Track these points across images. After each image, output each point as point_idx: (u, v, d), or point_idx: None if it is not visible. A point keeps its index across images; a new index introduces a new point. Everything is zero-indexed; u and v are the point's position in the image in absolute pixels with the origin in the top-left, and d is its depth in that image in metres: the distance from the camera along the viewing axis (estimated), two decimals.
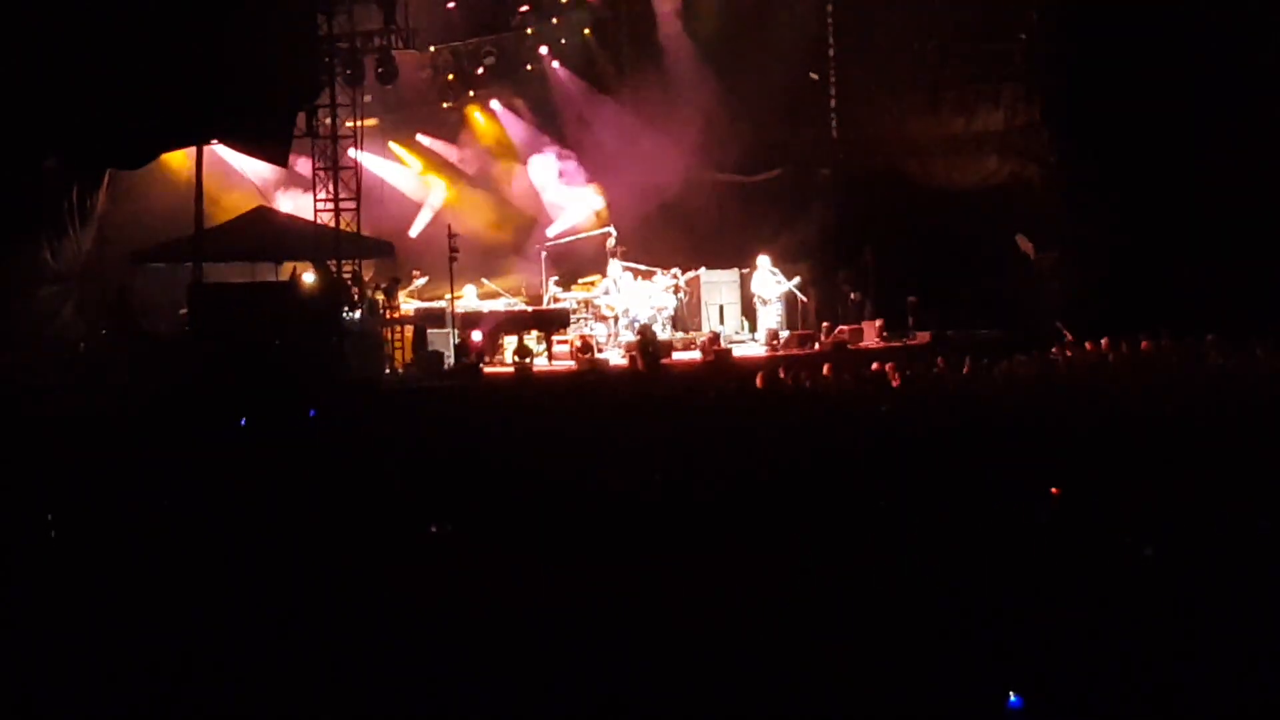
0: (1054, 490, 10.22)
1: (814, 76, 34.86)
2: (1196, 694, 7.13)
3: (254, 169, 33.66)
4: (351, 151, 29.30)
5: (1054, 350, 21.39)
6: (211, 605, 8.64)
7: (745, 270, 32.29)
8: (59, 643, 8.18)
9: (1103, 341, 20.93)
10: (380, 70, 32.39)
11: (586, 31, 36.55)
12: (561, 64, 36.53)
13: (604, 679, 7.57)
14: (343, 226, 28.57)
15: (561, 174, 35.84)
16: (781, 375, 20.09)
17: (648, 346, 27.96)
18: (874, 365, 20.25)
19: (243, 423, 18.31)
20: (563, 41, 36.47)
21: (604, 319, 31.52)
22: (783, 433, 14.35)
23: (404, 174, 36.59)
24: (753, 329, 32.32)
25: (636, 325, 30.39)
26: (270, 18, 26.71)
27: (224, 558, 9.65)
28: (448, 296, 30.50)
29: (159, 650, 8.05)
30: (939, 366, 20.15)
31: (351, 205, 28.71)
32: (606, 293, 31.58)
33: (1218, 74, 27.23)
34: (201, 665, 7.89)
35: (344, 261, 28.56)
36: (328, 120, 28.64)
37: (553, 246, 33.57)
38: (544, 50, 36.37)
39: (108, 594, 8.88)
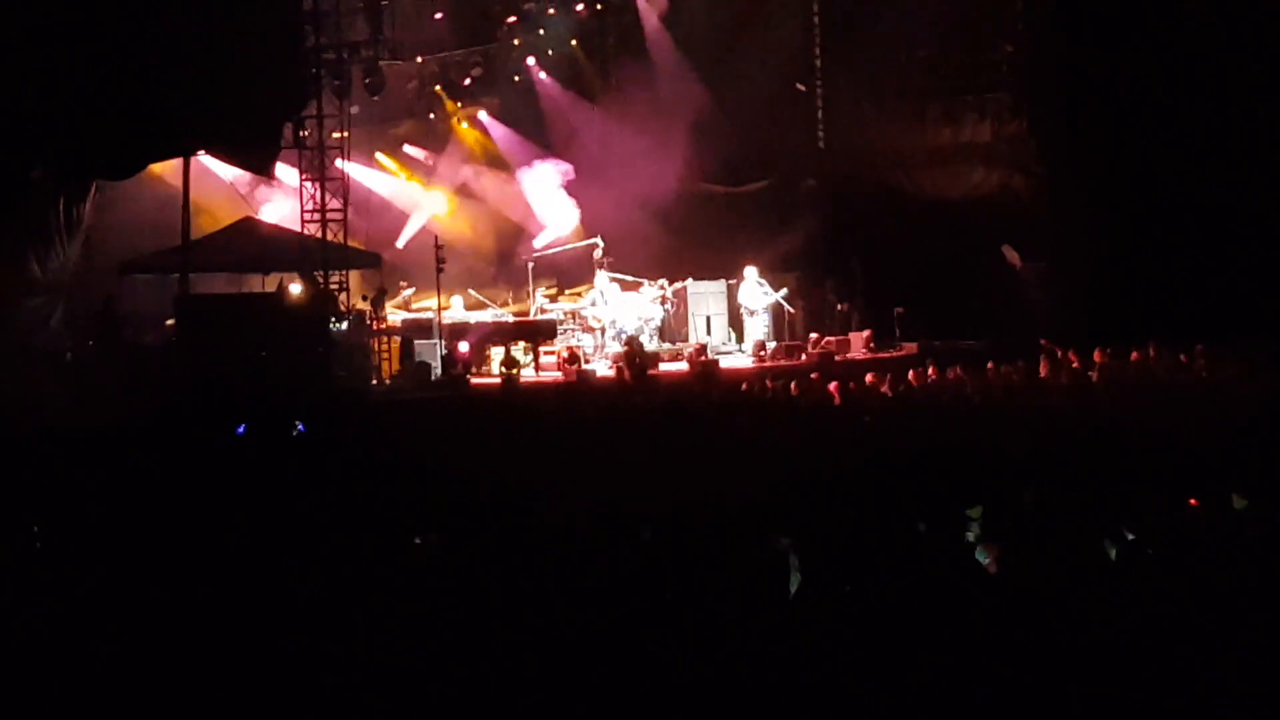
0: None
1: (801, 87, 34.92)
2: (1185, 701, 7.14)
3: (240, 179, 33.65)
4: (339, 162, 29.28)
5: (1041, 361, 21.38)
6: (198, 617, 8.62)
7: (732, 281, 32.32)
8: (44, 656, 8.16)
9: (1095, 354, 20.93)
10: (367, 81, 32.48)
11: (573, 42, 36.61)
12: (548, 75, 36.61)
13: (595, 686, 7.57)
14: (330, 237, 28.54)
15: (548, 185, 35.86)
16: (768, 386, 20.13)
17: (635, 357, 27.95)
18: (869, 377, 20.27)
19: (240, 430, 18.31)
20: (550, 52, 36.56)
21: (591, 330, 31.51)
22: (770, 443, 14.36)
23: (391, 185, 36.58)
24: (740, 340, 32.34)
25: (623, 336, 30.39)
26: (257, 29, 26.73)
27: (211, 569, 9.63)
28: (435, 307, 30.51)
29: (146, 663, 8.04)
30: (912, 378, 20.18)
31: (338, 216, 28.68)
32: (593, 304, 31.58)
33: (1206, 83, 27.29)
34: (188, 678, 7.87)
35: (331, 272, 28.53)
36: (315, 131, 28.61)
37: (540, 257, 33.60)
38: (531, 61, 36.45)
39: (93, 607, 8.86)
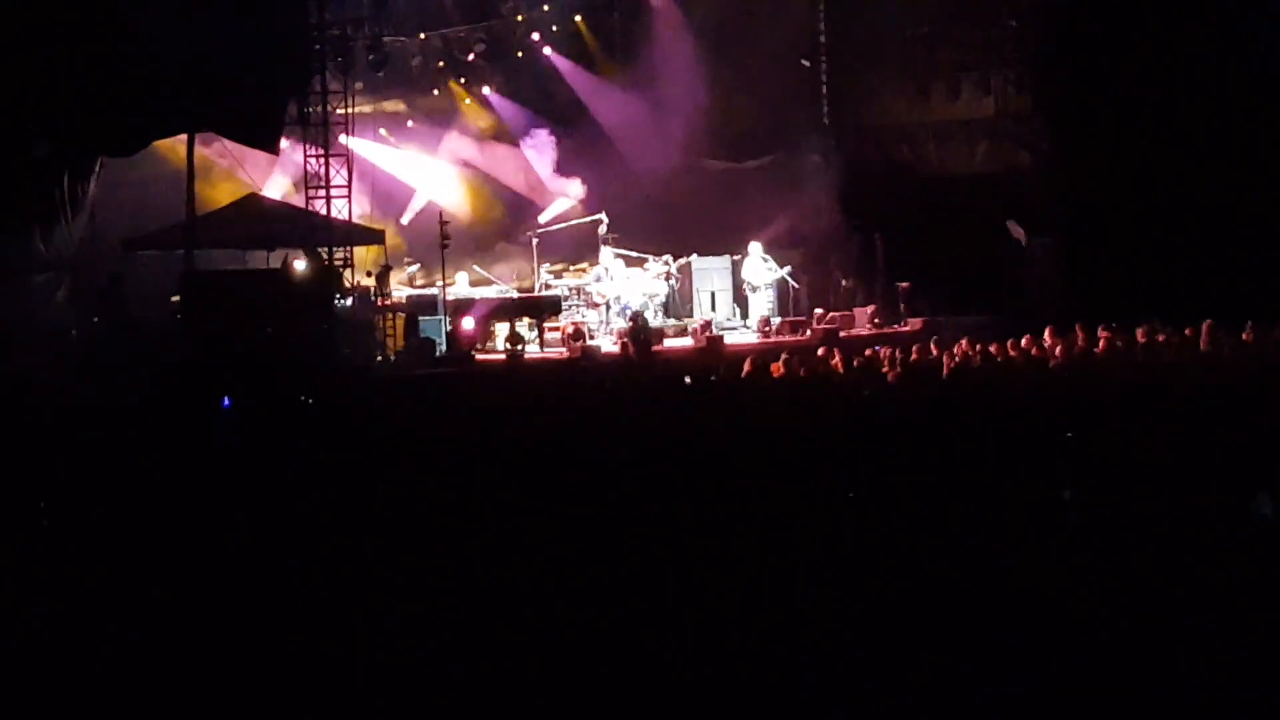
0: None
1: (806, 63, 34.89)
2: (1191, 687, 7.14)
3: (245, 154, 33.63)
4: (343, 138, 29.25)
5: (1046, 336, 21.34)
6: (205, 597, 8.63)
7: (737, 257, 32.33)
8: (51, 635, 8.17)
9: (1099, 330, 20.87)
10: (371, 57, 32.44)
11: (577, 18, 36.53)
12: (553, 50, 36.51)
13: (599, 677, 7.57)
14: (334, 214, 28.53)
15: (553, 160, 35.86)
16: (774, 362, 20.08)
17: (639, 333, 27.98)
18: (867, 351, 20.23)
19: (226, 404, 18.31)
20: (554, 28, 36.43)
21: (596, 306, 31.54)
22: (775, 420, 14.34)
23: (395, 161, 36.54)
24: (744, 316, 32.36)
25: (628, 312, 30.39)
26: (260, 4, 26.72)
27: (216, 548, 9.64)
28: (440, 283, 30.53)
29: (150, 646, 8.04)
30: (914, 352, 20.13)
31: (343, 193, 28.67)
32: (598, 279, 31.60)
33: (1210, 58, 27.23)
34: (193, 662, 7.88)
35: (335, 249, 28.54)
36: (319, 107, 28.58)
37: (545, 233, 33.58)
38: (535, 36, 36.34)
39: (100, 586, 8.87)
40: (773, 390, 17.55)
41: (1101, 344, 19.61)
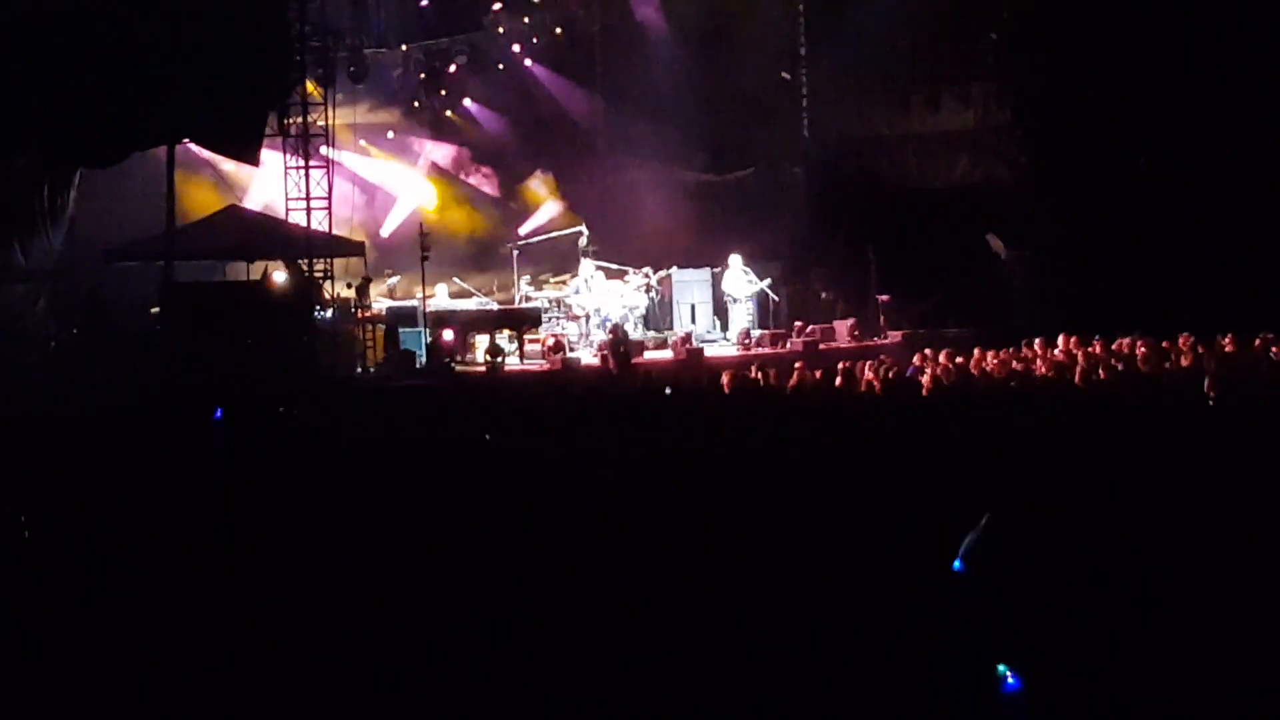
0: None
1: (785, 76, 34.97)
2: (1194, 686, 7.15)
3: (225, 165, 33.64)
4: (323, 149, 29.27)
5: (1024, 348, 21.43)
6: (185, 610, 8.62)
7: (717, 269, 32.33)
8: (33, 647, 8.15)
9: (1072, 341, 20.97)
10: (352, 69, 32.44)
11: (558, 30, 36.60)
12: (534, 62, 36.59)
13: (587, 683, 7.58)
14: (314, 225, 28.56)
15: (533, 172, 35.93)
16: (752, 374, 20.11)
17: (619, 346, 27.96)
18: (841, 365, 20.24)
19: (218, 415, 18.27)
20: (535, 39, 36.54)
21: (576, 318, 31.48)
22: (754, 432, 14.35)
23: (376, 172, 36.55)
24: (724, 328, 32.36)
25: (608, 324, 30.36)
26: (241, 16, 26.75)
27: (197, 560, 9.62)
28: (419, 295, 30.52)
29: (131, 658, 8.02)
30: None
31: (323, 204, 28.70)
32: (578, 292, 31.54)
33: (1190, 73, 27.36)
34: (175, 674, 7.87)
35: (315, 260, 28.55)
36: (299, 119, 28.61)
37: (525, 245, 33.58)
38: (516, 48, 36.41)
39: (81, 599, 8.85)
40: (751, 401, 17.56)
41: (1081, 357, 19.68)
